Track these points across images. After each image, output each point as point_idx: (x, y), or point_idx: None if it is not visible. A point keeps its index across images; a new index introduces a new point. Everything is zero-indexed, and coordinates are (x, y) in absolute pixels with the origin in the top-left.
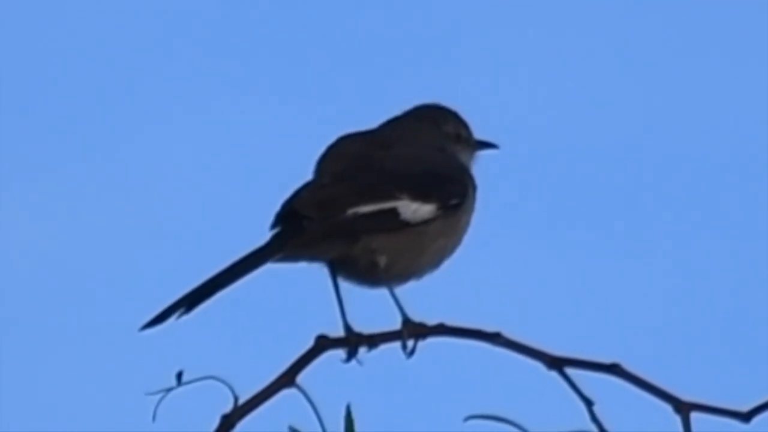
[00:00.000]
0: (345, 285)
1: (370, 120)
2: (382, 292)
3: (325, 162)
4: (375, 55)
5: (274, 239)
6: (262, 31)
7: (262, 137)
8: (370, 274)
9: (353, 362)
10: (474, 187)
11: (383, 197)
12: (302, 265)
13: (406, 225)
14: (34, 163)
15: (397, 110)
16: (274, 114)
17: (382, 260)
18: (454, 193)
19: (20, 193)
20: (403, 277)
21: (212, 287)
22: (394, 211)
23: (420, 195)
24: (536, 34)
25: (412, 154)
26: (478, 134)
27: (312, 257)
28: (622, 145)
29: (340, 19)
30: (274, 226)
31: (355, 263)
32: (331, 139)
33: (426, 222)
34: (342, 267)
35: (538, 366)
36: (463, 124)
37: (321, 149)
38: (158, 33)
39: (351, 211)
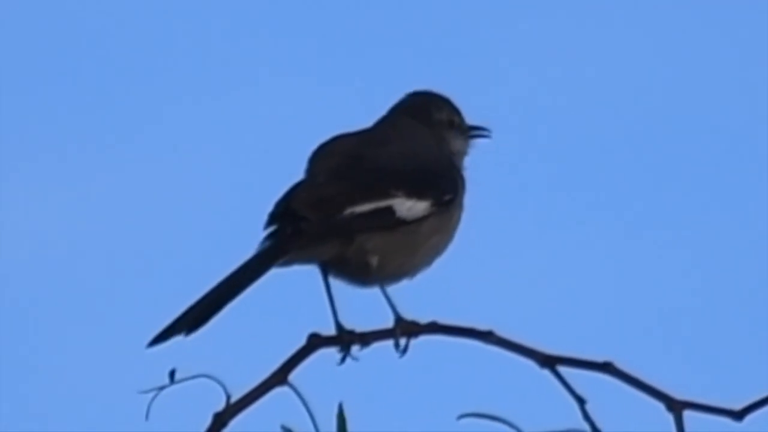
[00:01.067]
0: (336, 283)
1: (366, 109)
2: (374, 290)
3: (317, 160)
4: (370, 44)
5: (273, 243)
6: (263, 27)
7: (261, 135)
8: (363, 274)
9: (347, 360)
10: (464, 184)
11: (379, 196)
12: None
13: (402, 223)
14: (33, 162)
15: (391, 99)
16: (273, 111)
17: (375, 260)
18: (447, 188)
19: (19, 190)
20: (397, 276)
21: (217, 302)
22: (389, 210)
23: (415, 192)
24: (531, 22)
25: (404, 151)
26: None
27: (307, 259)
28: (617, 140)
29: (334, 10)
30: (267, 225)
31: (349, 263)
32: (327, 134)
33: (420, 219)
34: (335, 267)
35: (531, 364)
36: (455, 111)
37: (315, 145)
38: (159, 31)
39: (348, 210)
